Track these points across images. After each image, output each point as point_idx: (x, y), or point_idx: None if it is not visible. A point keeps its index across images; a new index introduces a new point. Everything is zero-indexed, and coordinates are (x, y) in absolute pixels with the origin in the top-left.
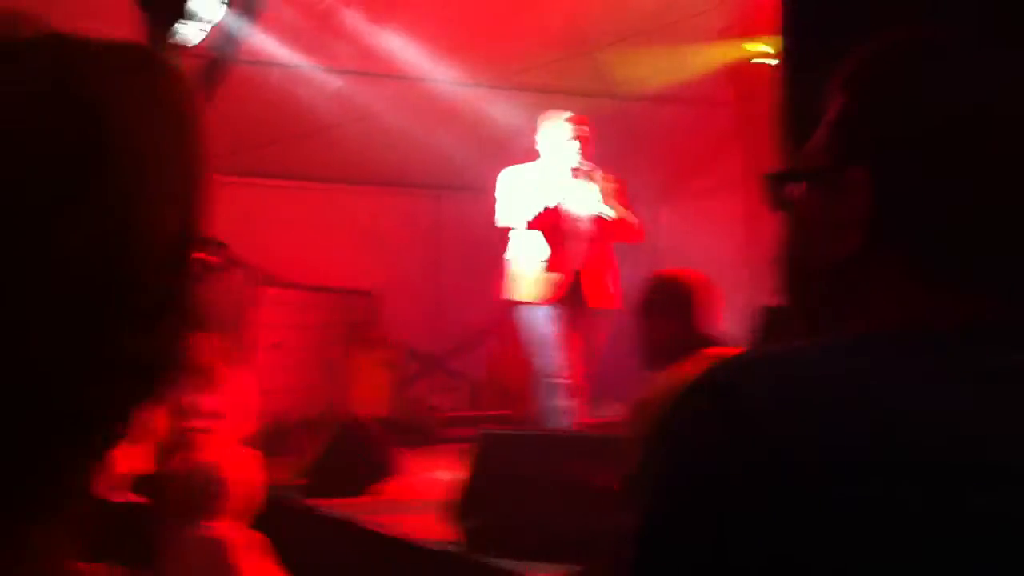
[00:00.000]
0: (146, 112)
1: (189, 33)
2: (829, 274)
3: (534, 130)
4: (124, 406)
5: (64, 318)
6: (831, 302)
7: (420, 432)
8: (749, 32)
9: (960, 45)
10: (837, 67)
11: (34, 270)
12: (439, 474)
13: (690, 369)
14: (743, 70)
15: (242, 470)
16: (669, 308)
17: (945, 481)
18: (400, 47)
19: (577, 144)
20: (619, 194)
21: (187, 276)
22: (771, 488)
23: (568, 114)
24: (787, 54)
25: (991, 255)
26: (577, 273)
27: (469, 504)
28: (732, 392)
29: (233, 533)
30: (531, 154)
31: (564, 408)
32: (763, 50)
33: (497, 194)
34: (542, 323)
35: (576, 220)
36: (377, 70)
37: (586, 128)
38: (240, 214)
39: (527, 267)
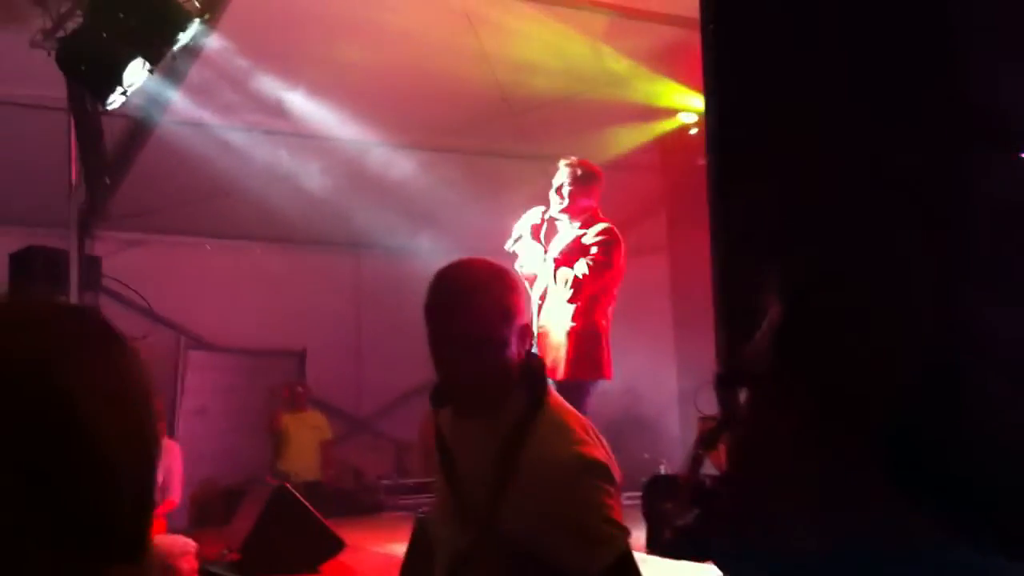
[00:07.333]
0: (112, 393)
1: (113, 97)
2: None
3: (454, 190)
4: None
5: (57, 554)
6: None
7: (352, 500)
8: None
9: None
10: (771, 269)
11: (37, 520)
12: (379, 548)
13: None
14: (669, 136)
15: (184, 555)
16: None
17: None
18: (322, 109)
19: (554, 192)
20: (579, 245)
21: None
22: None
23: (569, 159)
24: (711, 120)
25: None
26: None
27: None
28: None
29: None
30: (450, 216)
31: None
32: (688, 118)
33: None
34: None
35: (531, 278)
36: (299, 131)
37: (568, 172)
38: (162, 273)
39: None
